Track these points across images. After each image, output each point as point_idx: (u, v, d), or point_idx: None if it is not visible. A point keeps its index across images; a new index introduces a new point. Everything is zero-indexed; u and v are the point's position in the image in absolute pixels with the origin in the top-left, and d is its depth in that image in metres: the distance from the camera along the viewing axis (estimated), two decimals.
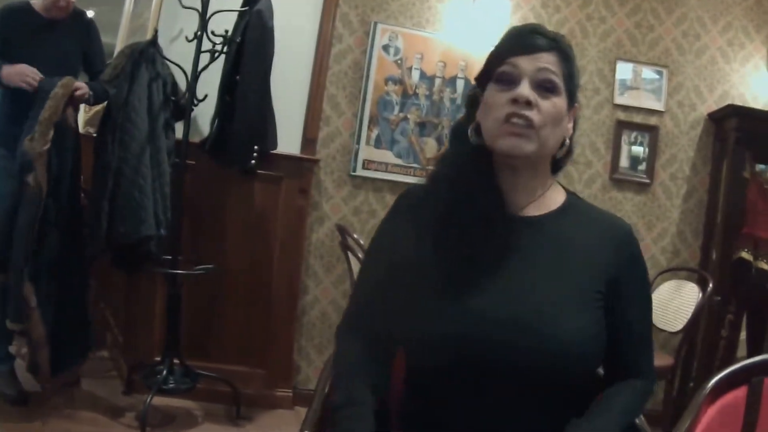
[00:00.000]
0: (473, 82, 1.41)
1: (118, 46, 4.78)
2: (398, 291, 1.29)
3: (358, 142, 3.86)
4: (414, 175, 3.86)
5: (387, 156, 3.89)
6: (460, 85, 3.95)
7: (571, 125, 1.35)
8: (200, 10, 3.20)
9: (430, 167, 1.49)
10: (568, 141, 1.35)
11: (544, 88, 1.27)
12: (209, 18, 3.20)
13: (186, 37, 3.28)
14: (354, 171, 3.86)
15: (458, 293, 1.24)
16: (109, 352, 3.99)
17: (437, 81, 3.94)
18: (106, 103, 3.33)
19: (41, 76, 3.03)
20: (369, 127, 3.87)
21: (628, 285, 1.32)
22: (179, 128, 3.34)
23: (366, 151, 3.87)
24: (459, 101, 3.93)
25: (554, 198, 1.37)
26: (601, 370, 1.36)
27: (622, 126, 4.14)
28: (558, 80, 1.29)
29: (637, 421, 1.34)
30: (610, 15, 4.13)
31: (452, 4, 3.95)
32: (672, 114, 4.19)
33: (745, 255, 3.95)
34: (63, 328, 3.11)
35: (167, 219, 3.21)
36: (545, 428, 1.24)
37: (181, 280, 3.29)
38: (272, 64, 3.38)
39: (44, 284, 3.03)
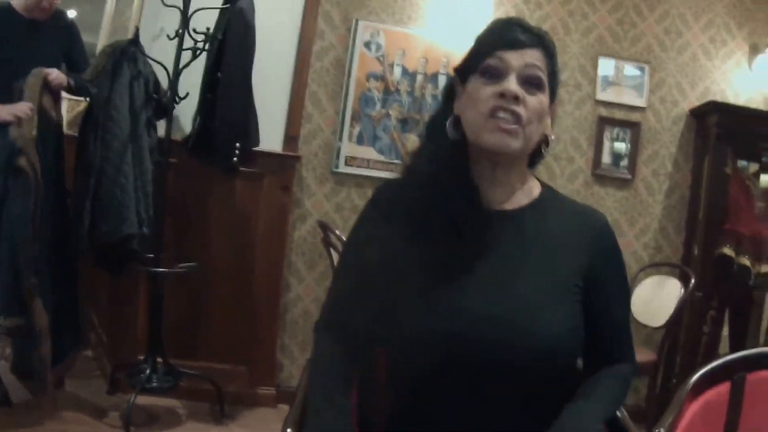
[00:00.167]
0: (453, 73, 1.40)
1: (100, 46, 4.76)
2: (376, 287, 1.29)
3: (341, 139, 3.85)
4: (396, 172, 3.82)
5: (369, 152, 3.88)
6: (442, 81, 3.93)
7: (549, 122, 1.36)
8: (182, 7, 3.20)
9: (407, 159, 1.47)
10: (552, 137, 1.36)
11: (531, 84, 1.28)
12: (191, 15, 3.21)
13: (168, 35, 3.28)
14: (336, 168, 3.85)
15: (436, 290, 1.24)
16: (93, 352, 3.97)
17: (419, 77, 3.94)
18: (87, 102, 3.32)
19: (33, 108, 3.03)
20: (351, 123, 3.86)
21: (605, 276, 1.33)
22: (161, 126, 3.34)
23: (348, 148, 3.86)
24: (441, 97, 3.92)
25: (530, 192, 1.38)
26: (580, 363, 1.36)
27: (604, 122, 4.15)
28: (544, 77, 1.29)
29: (619, 414, 1.34)
30: (592, 11, 4.14)
31: (434, 1, 3.95)
32: (654, 110, 4.21)
33: (727, 251, 3.98)
34: (59, 317, 3.12)
35: (149, 217, 3.20)
36: (527, 423, 1.23)
37: (164, 279, 3.29)
38: (254, 62, 3.37)
39: (44, 272, 3.04)
